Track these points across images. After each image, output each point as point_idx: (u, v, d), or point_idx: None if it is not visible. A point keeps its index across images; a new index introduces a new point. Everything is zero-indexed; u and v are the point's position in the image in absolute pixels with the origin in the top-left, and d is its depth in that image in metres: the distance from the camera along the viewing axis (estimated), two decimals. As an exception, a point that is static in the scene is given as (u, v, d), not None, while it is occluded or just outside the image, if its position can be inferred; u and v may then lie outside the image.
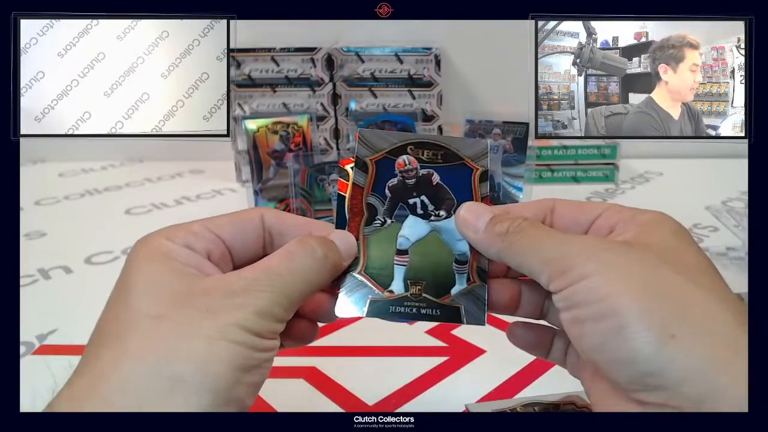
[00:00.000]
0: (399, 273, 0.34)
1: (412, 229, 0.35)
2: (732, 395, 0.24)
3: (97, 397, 0.24)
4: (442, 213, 0.35)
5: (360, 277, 0.33)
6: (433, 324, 0.55)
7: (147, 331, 0.26)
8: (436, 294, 0.34)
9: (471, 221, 0.33)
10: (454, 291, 0.34)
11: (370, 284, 0.33)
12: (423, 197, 0.35)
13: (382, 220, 0.35)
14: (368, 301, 0.33)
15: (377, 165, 0.35)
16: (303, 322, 0.33)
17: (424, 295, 0.34)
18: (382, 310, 0.33)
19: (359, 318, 0.33)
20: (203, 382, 0.25)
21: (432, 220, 0.35)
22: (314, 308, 0.33)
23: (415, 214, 0.35)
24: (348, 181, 0.35)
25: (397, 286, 0.34)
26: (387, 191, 0.35)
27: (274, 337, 0.29)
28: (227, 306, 0.27)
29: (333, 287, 0.33)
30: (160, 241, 0.29)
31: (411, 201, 0.35)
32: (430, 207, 0.35)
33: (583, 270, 0.27)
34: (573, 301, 0.28)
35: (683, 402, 0.25)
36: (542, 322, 0.35)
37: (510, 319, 0.35)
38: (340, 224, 0.34)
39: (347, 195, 0.35)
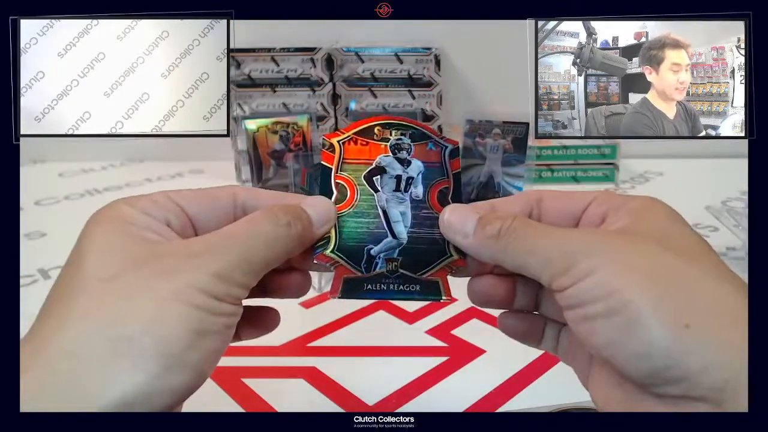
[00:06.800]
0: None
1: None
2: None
3: (41, 362, 0.23)
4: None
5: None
6: (433, 324, 0.55)
7: (96, 294, 0.25)
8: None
9: (458, 226, 0.32)
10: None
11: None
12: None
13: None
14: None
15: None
16: (264, 309, 0.33)
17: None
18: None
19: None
20: (153, 346, 0.24)
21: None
22: (282, 285, 0.33)
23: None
24: (334, 153, 0.35)
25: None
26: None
27: (235, 303, 0.27)
28: (185, 267, 0.26)
29: (304, 263, 0.33)
30: (119, 206, 0.28)
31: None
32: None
33: (587, 266, 0.26)
34: (580, 299, 0.27)
35: (703, 391, 0.24)
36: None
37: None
38: (325, 195, 0.34)
39: (333, 166, 0.34)
